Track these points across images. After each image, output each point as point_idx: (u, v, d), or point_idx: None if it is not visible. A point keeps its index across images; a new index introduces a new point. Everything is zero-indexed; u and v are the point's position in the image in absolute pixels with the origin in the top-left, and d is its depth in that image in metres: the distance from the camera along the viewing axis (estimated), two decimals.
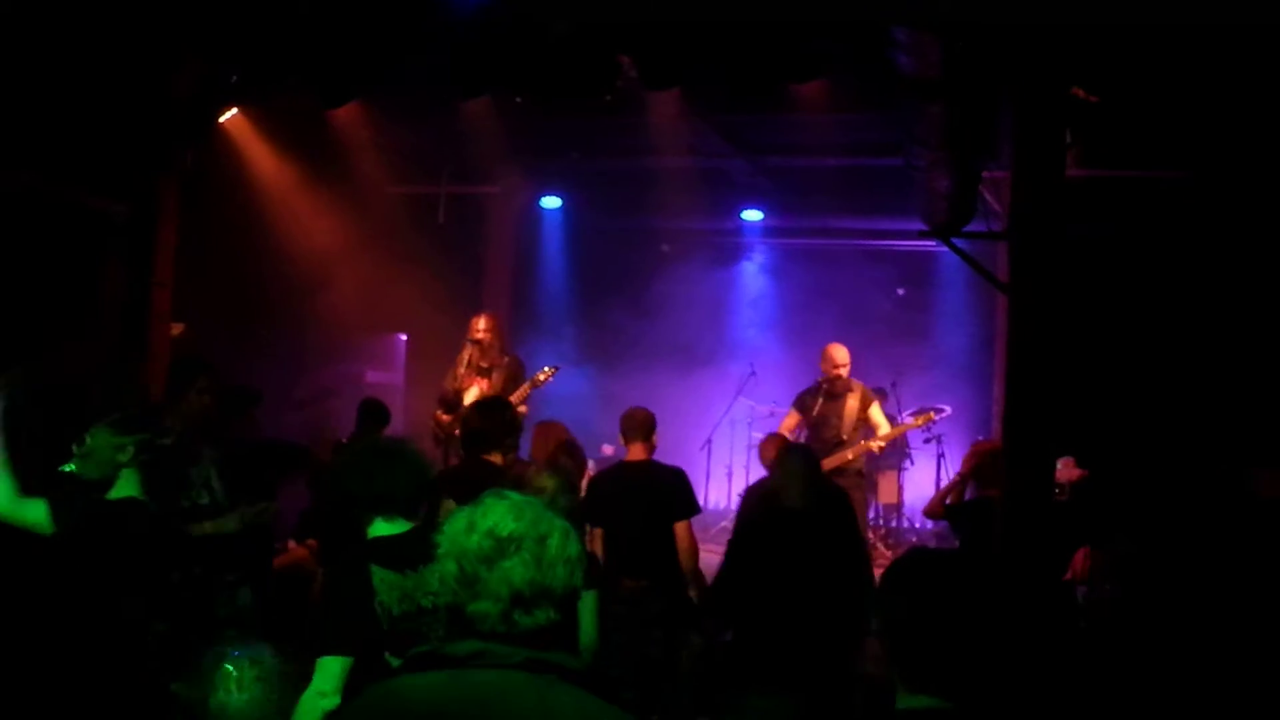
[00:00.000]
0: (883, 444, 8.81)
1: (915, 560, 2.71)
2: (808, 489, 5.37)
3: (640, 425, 6.60)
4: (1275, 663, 5.36)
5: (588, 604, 4.80)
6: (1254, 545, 6.17)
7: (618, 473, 6.65)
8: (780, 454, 5.58)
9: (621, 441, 6.65)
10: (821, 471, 6.11)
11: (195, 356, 5.96)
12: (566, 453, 6.38)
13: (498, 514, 2.23)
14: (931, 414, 9.24)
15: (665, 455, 7.12)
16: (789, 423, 9.15)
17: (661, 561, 6.18)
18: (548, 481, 4.99)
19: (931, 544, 11.27)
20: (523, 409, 8.79)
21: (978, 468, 6.67)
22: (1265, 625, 5.62)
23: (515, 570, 2.17)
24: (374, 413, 8.37)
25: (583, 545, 4.83)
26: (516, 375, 8.85)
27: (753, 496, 6.63)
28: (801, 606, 4.96)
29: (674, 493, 6.35)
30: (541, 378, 8.75)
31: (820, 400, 9.02)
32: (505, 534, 2.20)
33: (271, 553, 6.35)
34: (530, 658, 2.11)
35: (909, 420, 10.33)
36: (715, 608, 5.43)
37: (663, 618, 6.15)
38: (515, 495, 2.30)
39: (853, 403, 8.88)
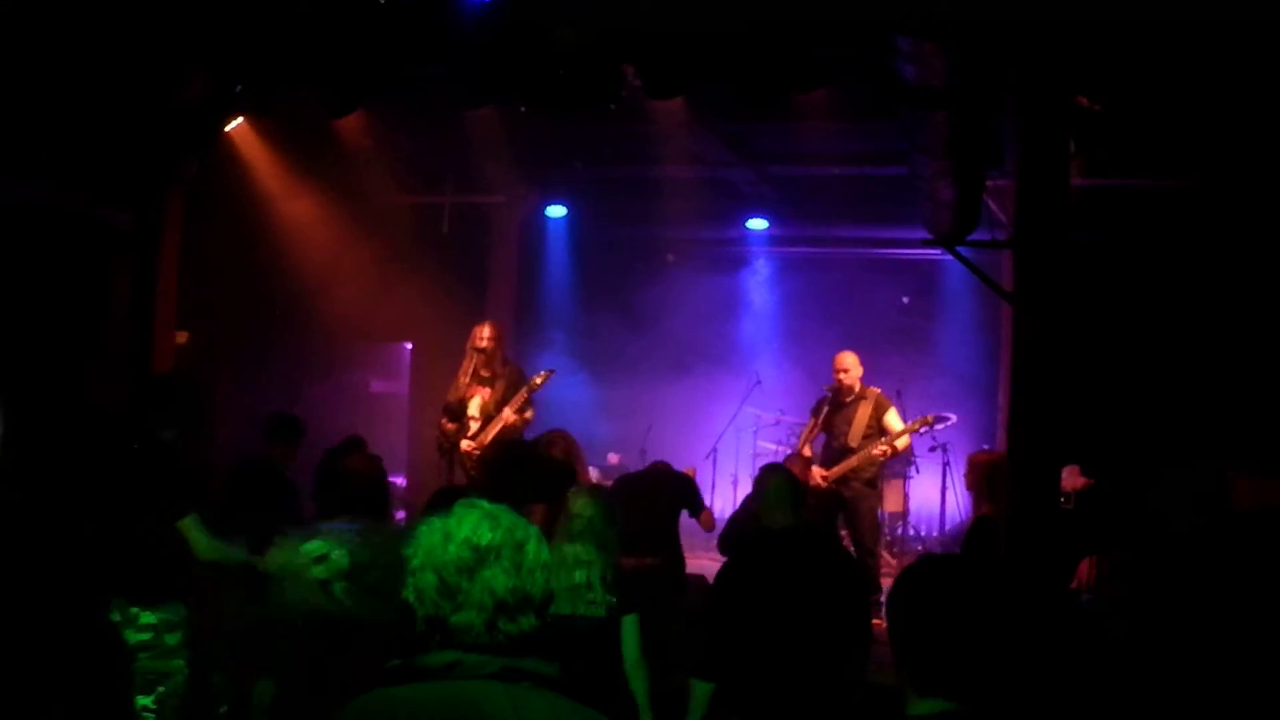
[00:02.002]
0: (886, 449, 8.73)
1: (925, 566, 2.74)
2: (793, 508, 5.21)
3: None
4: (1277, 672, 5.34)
5: (631, 625, 4.81)
6: (1241, 555, 6.17)
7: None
8: (760, 475, 5.43)
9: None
10: (803, 491, 5.98)
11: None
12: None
13: (472, 523, 2.21)
14: (930, 419, 9.18)
15: (670, 463, 7.25)
16: (807, 432, 9.17)
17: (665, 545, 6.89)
18: (586, 508, 4.92)
19: (938, 551, 11.25)
20: (528, 414, 8.82)
21: (983, 480, 6.61)
22: (1264, 634, 5.60)
23: (497, 579, 2.16)
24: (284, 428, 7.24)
25: (613, 567, 4.84)
26: (517, 384, 8.85)
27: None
28: (793, 626, 4.87)
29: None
30: (538, 381, 8.75)
31: (828, 408, 9.01)
32: (484, 543, 2.18)
33: None
34: (505, 666, 2.11)
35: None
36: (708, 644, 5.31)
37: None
38: (486, 504, 2.27)
39: (863, 410, 8.81)
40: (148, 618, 5.09)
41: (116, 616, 5.08)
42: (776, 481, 5.20)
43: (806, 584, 4.91)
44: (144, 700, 5.04)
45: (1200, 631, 5.87)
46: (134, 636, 5.07)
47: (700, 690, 4.91)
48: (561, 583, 4.67)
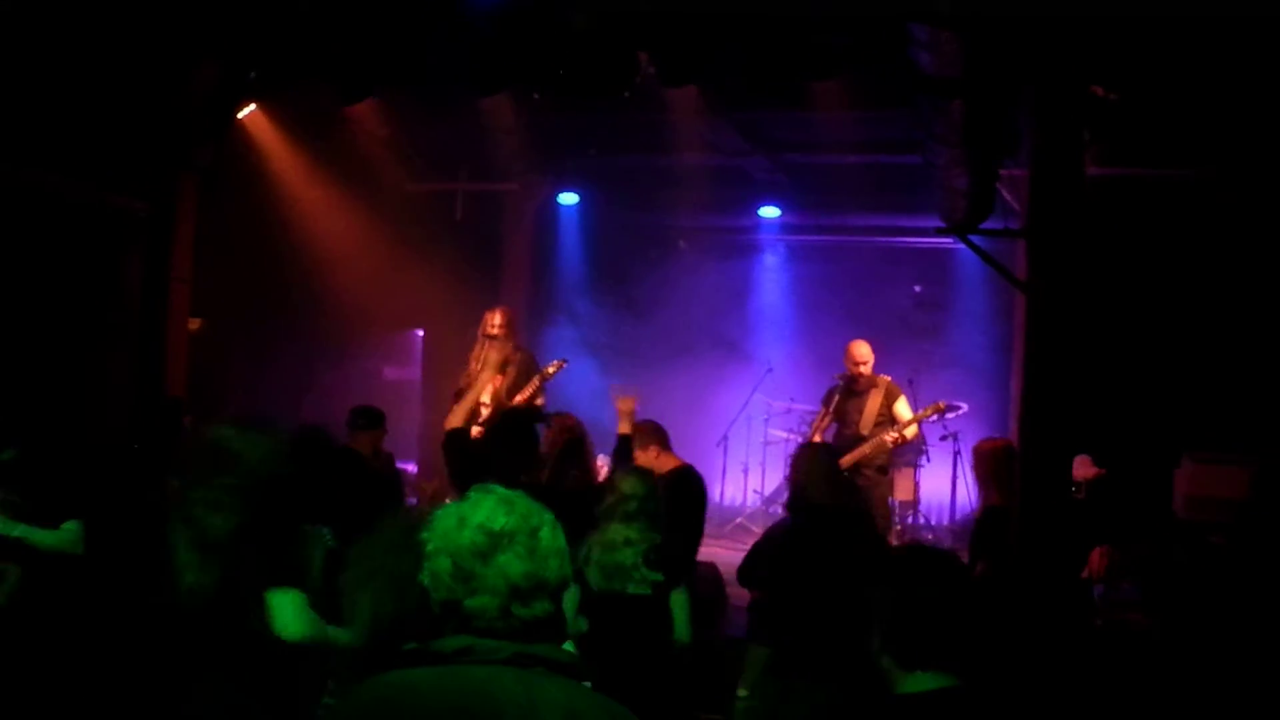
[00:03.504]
0: (896, 437, 8.73)
1: (912, 554, 2.89)
2: (831, 485, 5.43)
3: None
4: None
5: (680, 601, 4.94)
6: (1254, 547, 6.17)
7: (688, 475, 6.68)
8: (798, 454, 5.63)
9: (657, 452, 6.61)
10: (839, 468, 6.11)
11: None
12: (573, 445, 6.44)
13: (488, 508, 2.23)
14: (941, 405, 9.17)
15: (682, 452, 7.12)
16: (819, 421, 9.19)
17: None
18: (637, 488, 5.00)
19: (948, 542, 11.24)
20: (540, 401, 8.83)
21: (990, 469, 6.58)
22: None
23: (511, 564, 2.17)
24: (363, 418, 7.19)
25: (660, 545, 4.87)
26: (529, 370, 8.85)
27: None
28: (834, 596, 4.98)
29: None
30: (551, 370, 8.76)
31: (839, 396, 9.01)
32: (498, 528, 2.19)
33: None
34: (518, 652, 2.12)
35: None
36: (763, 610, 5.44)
37: None
38: (501, 489, 2.29)
39: (875, 399, 8.81)
40: None
41: None
42: (817, 460, 5.49)
43: (840, 557, 5.05)
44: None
45: (1215, 621, 5.87)
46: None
47: (754, 654, 5.04)
48: (610, 562, 4.86)
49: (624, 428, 6.52)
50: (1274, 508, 6.69)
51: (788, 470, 5.70)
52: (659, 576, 4.90)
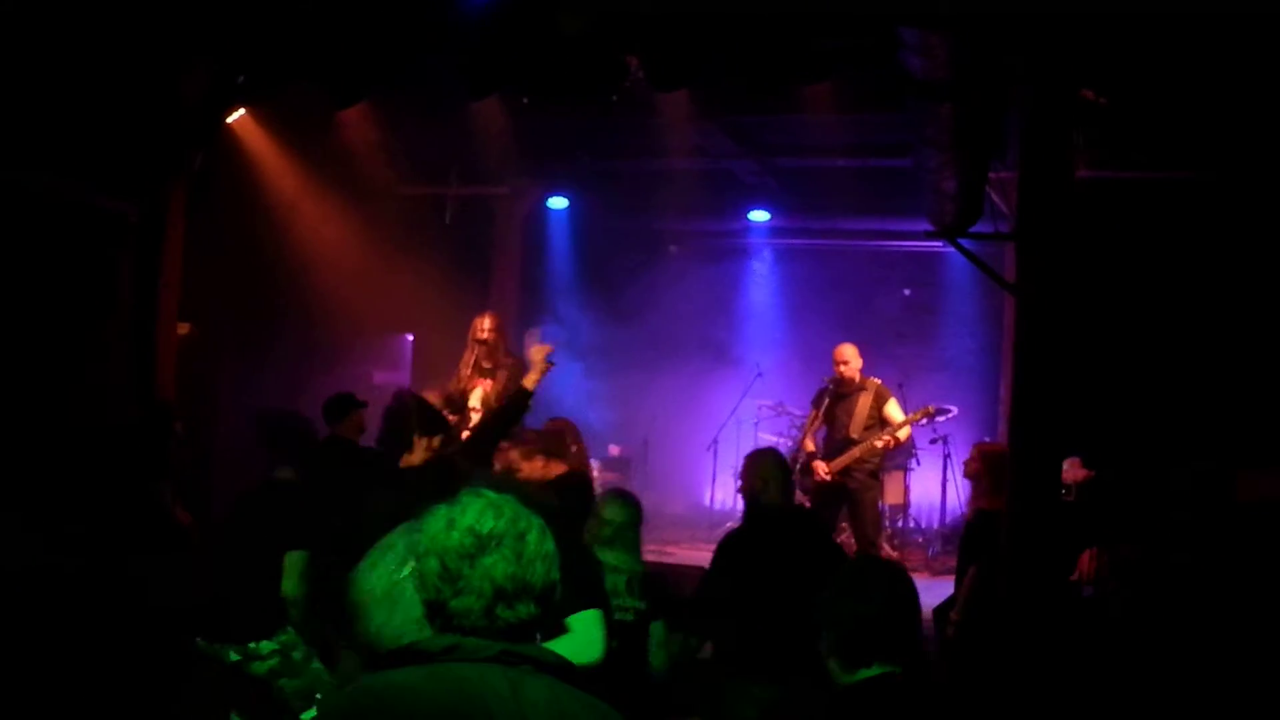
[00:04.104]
0: (889, 440, 8.74)
1: (857, 564, 3.40)
2: (784, 488, 5.46)
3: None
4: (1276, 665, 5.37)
5: (658, 633, 4.91)
6: (1245, 549, 6.20)
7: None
8: (754, 456, 5.64)
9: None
10: (791, 471, 6.06)
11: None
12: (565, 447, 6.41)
13: (476, 511, 2.27)
14: (930, 409, 9.19)
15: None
16: (809, 424, 9.22)
17: None
18: (617, 514, 4.98)
19: (937, 545, 11.27)
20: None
21: (991, 472, 6.58)
22: (1265, 628, 5.63)
23: (497, 566, 2.22)
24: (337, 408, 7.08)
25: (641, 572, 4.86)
26: (519, 375, 8.82)
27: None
28: (788, 596, 4.98)
29: None
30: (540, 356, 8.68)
31: (829, 400, 9.03)
32: (486, 531, 2.24)
33: None
34: (504, 650, 2.15)
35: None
36: (701, 605, 5.45)
37: None
38: (491, 493, 2.33)
39: (864, 401, 8.82)
40: (268, 645, 5.09)
41: (235, 656, 5.07)
42: (769, 463, 5.50)
43: (790, 558, 5.07)
44: (308, 715, 5.02)
45: (1201, 624, 5.89)
46: (262, 666, 5.07)
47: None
48: None
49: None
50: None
51: (740, 475, 5.69)
52: (641, 604, 4.88)
